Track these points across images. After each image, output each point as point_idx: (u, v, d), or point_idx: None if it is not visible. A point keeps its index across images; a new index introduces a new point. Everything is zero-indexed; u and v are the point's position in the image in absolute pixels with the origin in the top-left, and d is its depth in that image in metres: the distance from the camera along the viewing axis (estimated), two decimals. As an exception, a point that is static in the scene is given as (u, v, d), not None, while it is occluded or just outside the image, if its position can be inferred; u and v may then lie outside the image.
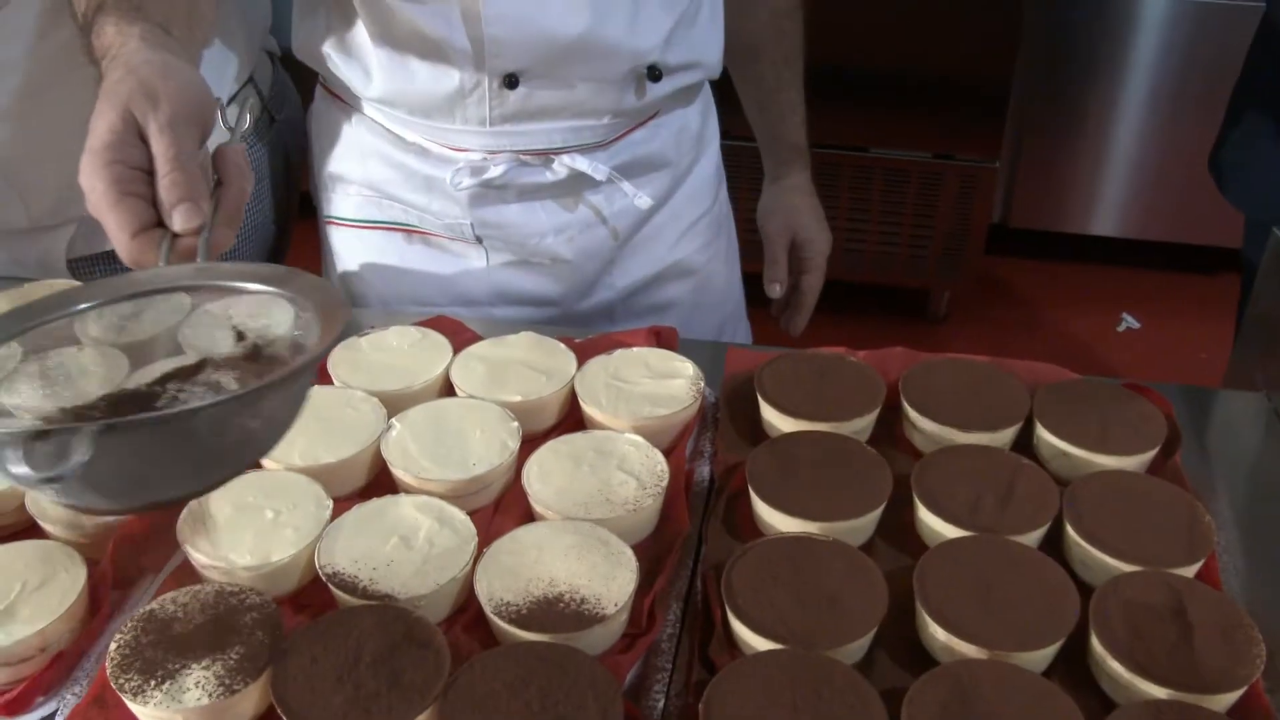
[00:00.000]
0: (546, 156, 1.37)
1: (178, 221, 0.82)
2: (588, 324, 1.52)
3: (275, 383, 0.71)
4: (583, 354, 1.20)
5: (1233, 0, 3.20)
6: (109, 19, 0.95)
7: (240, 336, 0.82)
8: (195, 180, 0.84)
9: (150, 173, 0.84)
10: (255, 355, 0.81)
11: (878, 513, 1.02)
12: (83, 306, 0.82)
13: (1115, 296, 3.70)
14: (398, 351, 1.21)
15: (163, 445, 0.68)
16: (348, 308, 0.79)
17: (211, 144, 0.91)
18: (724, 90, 1.58)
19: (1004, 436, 1.11)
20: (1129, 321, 3.60)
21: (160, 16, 0.97)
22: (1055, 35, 3.33)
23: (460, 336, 1.25)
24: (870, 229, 3.34)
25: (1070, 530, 0.98)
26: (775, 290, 1.61)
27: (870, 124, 3.20)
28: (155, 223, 0.83)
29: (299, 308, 0.79)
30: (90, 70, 1.36)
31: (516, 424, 1.09)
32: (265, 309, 0.82)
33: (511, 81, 1.29)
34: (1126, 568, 0.94)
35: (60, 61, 1.35)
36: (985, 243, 3.39)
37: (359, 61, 1.35)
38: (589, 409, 1.13)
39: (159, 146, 0.84)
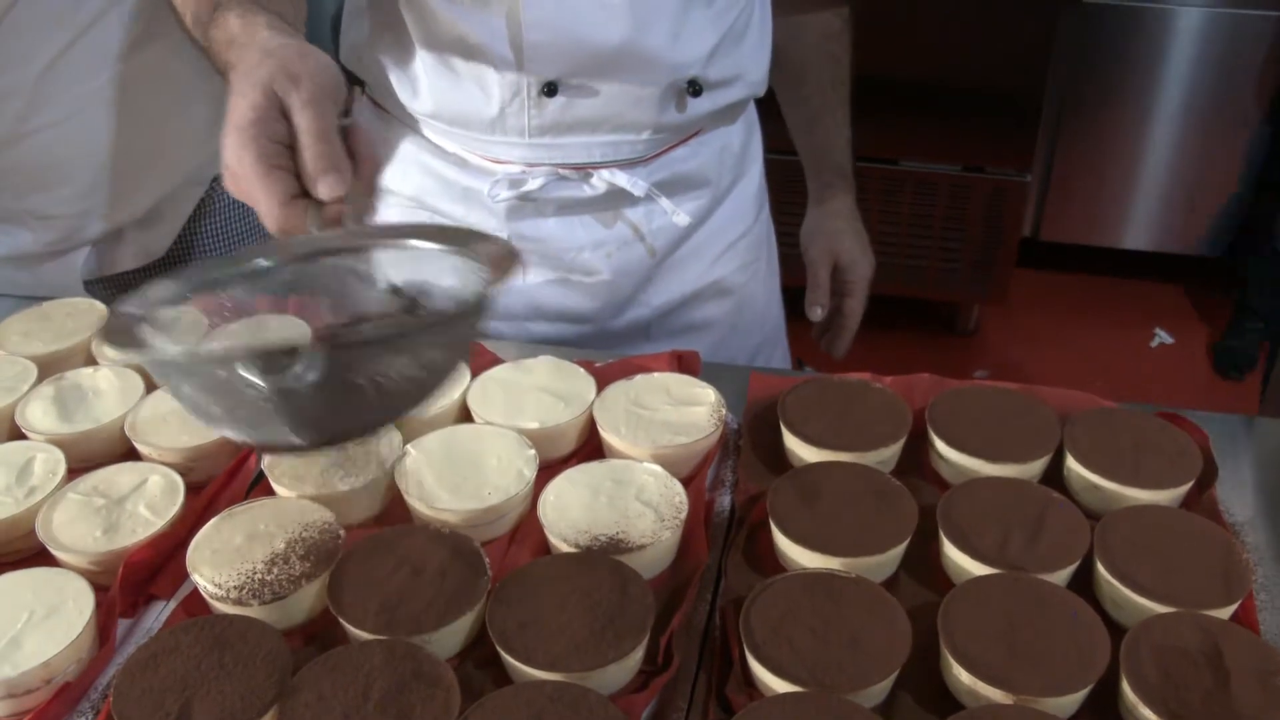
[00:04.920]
0: (585, 171, 1.36)
1: (324, 190, 0.87)
2: (622, 341, 1.51)
3: (464, 313, 0.78)
4: (603, 379, 1.17)
5: (1267, 11, 3.16)
6: (231, 12, 1.00)
7: (396, 293, 0.87)
8: (338, 152, 0.88)
9: (290, 147, 0.88)
10: (412, 309, 0.86)
11: (902, 548, 0.99)
12: (262, 264, 0.88)
13: (1148, 311, 3.66)
14: (415, 375, 1.19)
15: (361, 373, 0.74)
16: (517, 254, 0.83)
17: None
18: (771, 104, 1.56)
19: (1034, 468, 1.08)
20: (1162, 337, 3.55)
21: (277, 7, 1.02)
22: (1088, 47, 3.30)
23: (481, 359, 1.23)
24: (900, 241, 3.31)
25: (1101, 568, 0.95)
26: (816, 314, 1.59)
27: (901, 136, 3.17)
28: (299, 193, 0.88)
29: (465, 260, 0.84)
30: (104, 91, 1.36)
31: (533, 451, 1.07)
32: (425, 264, 0.87)
33: (550, 89, 1.28)
34: (1160, 608, 0.91)
35: (72, 88, 1.35)
36: (1016, 256, 3.35)
37: (402, 69, 1.35)
38: (608, 436, 1.11)
39: (303, 121, 0.88)
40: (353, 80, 1.47)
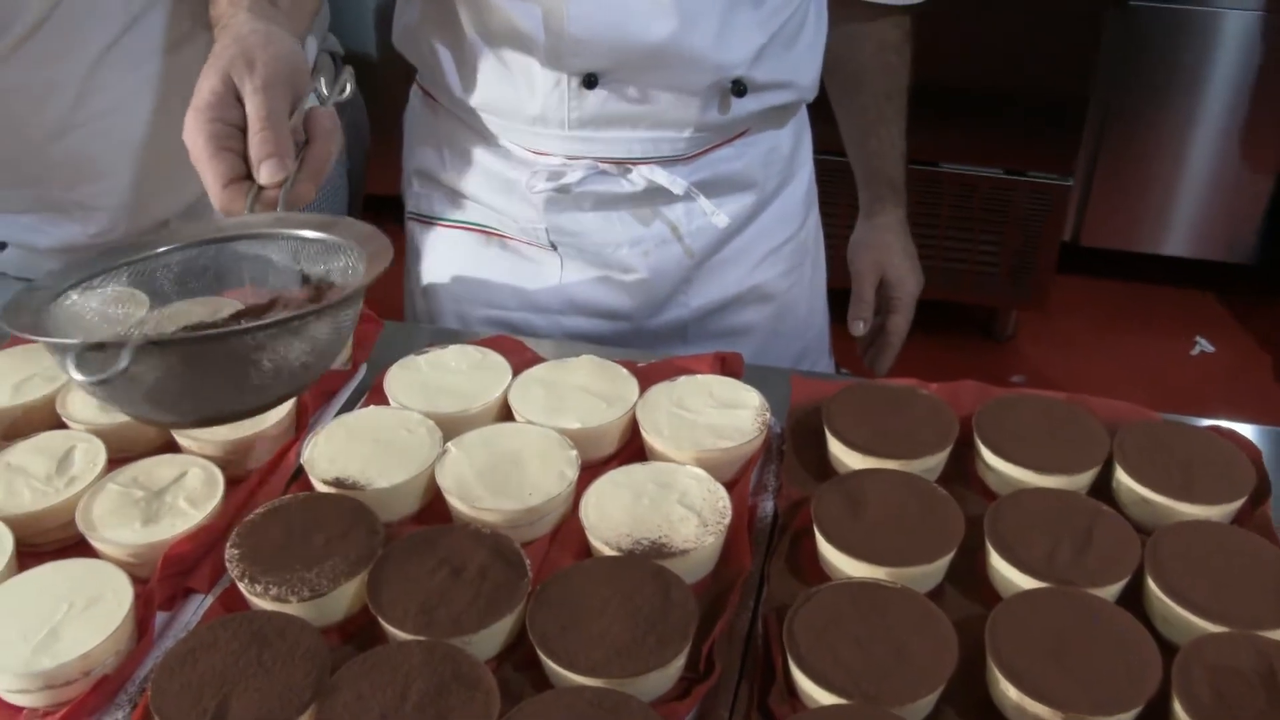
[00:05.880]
0: (624, 166, 1.35)
1: (263, 175, 0.92)
2: (659, 341, 1.50)
3: (298, 316, 0.81)
4: (645, 379, 1.16)
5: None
6: None
7: (305, 279, 0.93)
8: (282, 138, 0.93)
9: (244, 130, 0.94)
10: (318, 298, 0.90)
11: (948, 558, 0.97)
12: (164, 249, 0.94)
13: (1189, 319, 3.62)
14: (456, 373, 1.18)
15: (204, 364, 0.80)
16: (389, 251, 0.88)
17: None
18: (824, 107, 1.54)
19: (1082, 480, 1.06)
20: (1203, 345, 3.51)
21: None
22: (1134, 50, 3.26)
23: (521, 357, 1.22)
24: (938, 245, 3.29)
25: (1152, 584, 0.93)
26: (859, 328, 1.57)
27: (942, 138, 3.14)
28: (246, 175, 0.93)
29: (356, 257, 0.90)
30: (151, 84, 1.37)
31: (575, 452, 1.06)
32: (331, 256, 0.92)
33: (590, 81, 1.27)
34: (1212, 628, 0.89)
35: (120, 80, 1.35)
36: (1057, 261, 3.32)
37: (448, 54, 1.36)
38: (650, 438, 1.10)
39: (252, 107, 0.93)
40: (389, 75, 1.48)
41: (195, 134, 0.92)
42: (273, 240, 0.94)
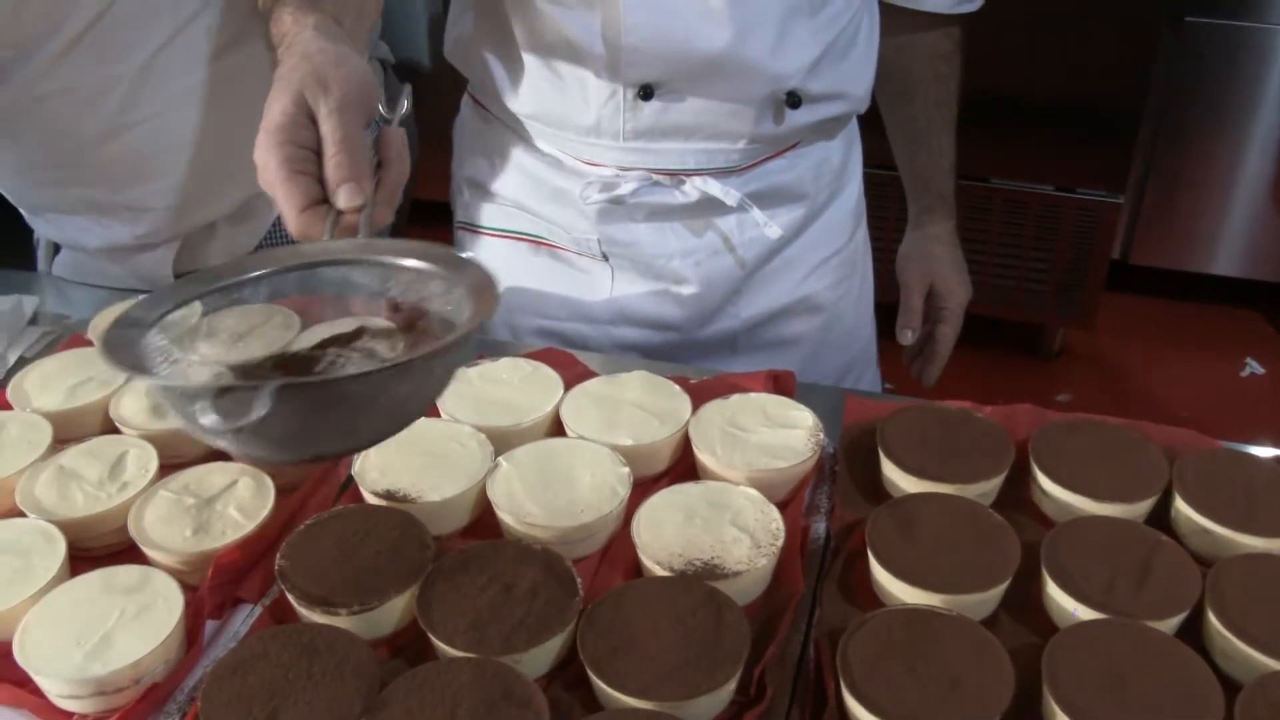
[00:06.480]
0: (678, 177, 1.35)
1: (342, 199, 0.88)
2: (708, 352, 1.49)
3: (428, 355, 0.76)
4: (697, 396, 1.15)
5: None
6: (286, 9, 1.01)
7: (396, 308, 0.89)
8: (359, 162, 0.90)
9: (318, 153, 0.91)
10: (409, 327, 0.87)
11: (1004, 586, 0.96)
12: (254, 274, 0.88)
13: (1239, 340, 3.57)
14: (508, 385, 1.18)
15: (327, 404, 0.75)
16: (497, 290, 0.83)
17: None
18: (873, 120, 1.54)
19: (1140, 509, 1.04)
20: (1253, 366, 3.47)
21: (333, 9, 1.03)
22: (1189, 67, 3.22)
23: (572, 370, 1.22)
24: (987, 260, 3.26)
25: (1213, 618, 0.92)
26: (907, 337, 1.56)
27: (993, 154, 3.11)
28: (321, 199, 0.90)
29: (451, 285, 0.85)
30: (200, 87, 1.37)
31: (627, 469, 1.05)
32: (423, 284, 0.87)
33: (646, 92, 1.27)
34: (1276, 664, 0.87)
35: (170, 83, 1.35)
36: (1106, 279, 3.29)
37: (502, 65, 1.36)
38: (702, 456, 1.09)
39: (327, 129, 0.90)
40: (439, 81, 1.48)
41: (268, 156, 0.89)
42: (362, 266, 0.89)
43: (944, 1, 1.45)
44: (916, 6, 1.45)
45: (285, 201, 0.89)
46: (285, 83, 0.92)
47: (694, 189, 1.35)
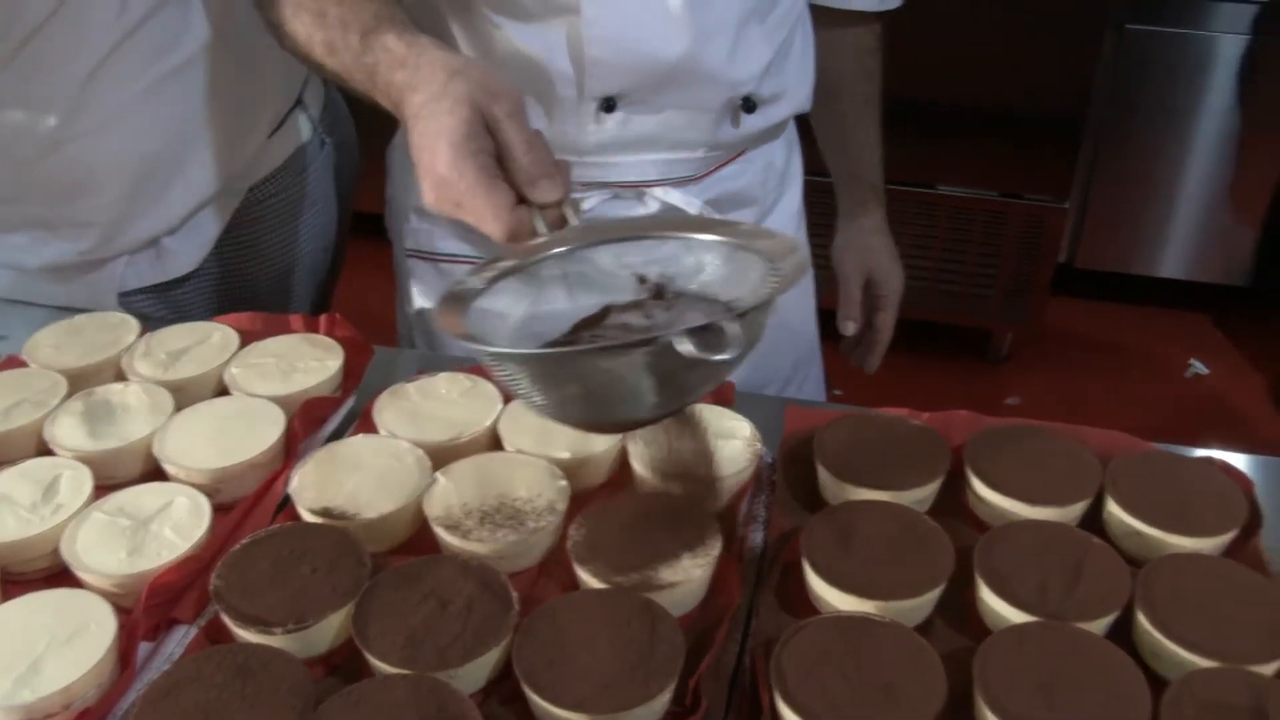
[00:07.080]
0: (639, 189, 1.35)
1: (544, 193, 0.93)
2: None
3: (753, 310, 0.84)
4: (635, 408, 1.16)
5: (1313, 43, 3.13)
6: (388, 35, 1.02)
7: (642, 280, 0.98)
8: (550, 157, 0.94)
9: (497, 158, 0.93)
10: (660, 295, 0.96)
11: (938, 592, 0.97)
12: (558, 250, 0.96)
13: (1184, 341, 3.62)
14: (446, 400, 1.18)
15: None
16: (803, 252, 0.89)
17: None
18: (805, 128, 1.56)
19: (1074, 512, 1.06)
20: (1197, 367, 3.51)
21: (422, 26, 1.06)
22: (1129, 75, 3.26)
23: (509, 384, 1.22)
24: (933, 266, 3.29)
25: (1142, 618, 0.93)
26: (849, 328, 1.58)
27: (938, 161, 3.14)
28: (517, 200, 0.93)
29: (753, 254, 0.92)
30: (141, 100, 1.35)
31: (565, 483, 1.06)
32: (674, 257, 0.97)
33: (609, 105, 1.27)
34: (1202, 662, 0.89)
35: (110, 96, 1.34)
36: (1051, 283, 3.32)
37: None
38: (640, 469, 1.09)
39: (512, 132, 0.93)
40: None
41: (464, 166, 0.91)
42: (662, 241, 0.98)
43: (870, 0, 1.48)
44: (845, 6, 1.47)
45: (489, 206, 0.91)
46: (451, 95, 0.93)
47: (654, 200, 1.36)
